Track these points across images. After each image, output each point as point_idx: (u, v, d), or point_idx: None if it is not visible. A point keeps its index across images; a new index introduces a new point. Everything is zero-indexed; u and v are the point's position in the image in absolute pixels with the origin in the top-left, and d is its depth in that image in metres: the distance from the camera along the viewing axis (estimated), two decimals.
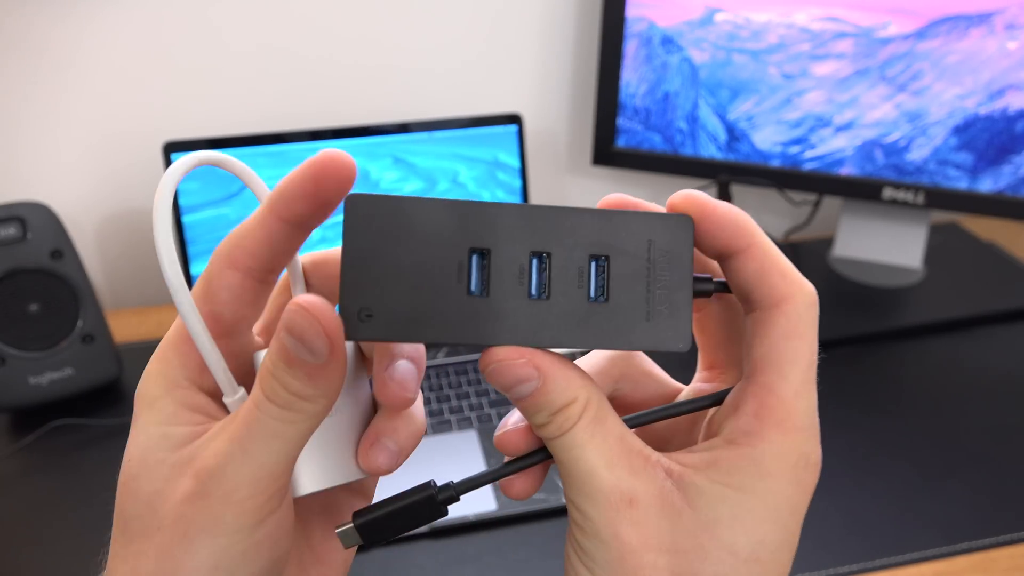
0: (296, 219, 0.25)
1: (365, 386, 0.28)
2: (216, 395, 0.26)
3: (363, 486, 0.31)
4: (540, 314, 0.25)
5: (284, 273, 0.28)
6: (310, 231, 0.26)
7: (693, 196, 0.26)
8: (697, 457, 0.25)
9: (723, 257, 0.26)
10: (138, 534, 0.24)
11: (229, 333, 0.26)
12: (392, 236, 0.24)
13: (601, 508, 0.24)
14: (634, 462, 0.24)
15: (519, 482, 0.28)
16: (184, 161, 0.26)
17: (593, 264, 0.25)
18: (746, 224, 0.26)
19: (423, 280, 0.24)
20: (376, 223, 0.24)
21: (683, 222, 0.26)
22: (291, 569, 0.28)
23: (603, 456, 0.24)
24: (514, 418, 0.28)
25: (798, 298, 0.25)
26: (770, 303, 0.25)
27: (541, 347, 0.25)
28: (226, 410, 0.26)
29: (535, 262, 0.25)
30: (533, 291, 0.25)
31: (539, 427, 0.25)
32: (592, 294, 0.25)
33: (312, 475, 0.26)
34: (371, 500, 0.31)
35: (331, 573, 0.29)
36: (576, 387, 0.25)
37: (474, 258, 0.24)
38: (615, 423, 0.25)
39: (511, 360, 0.24)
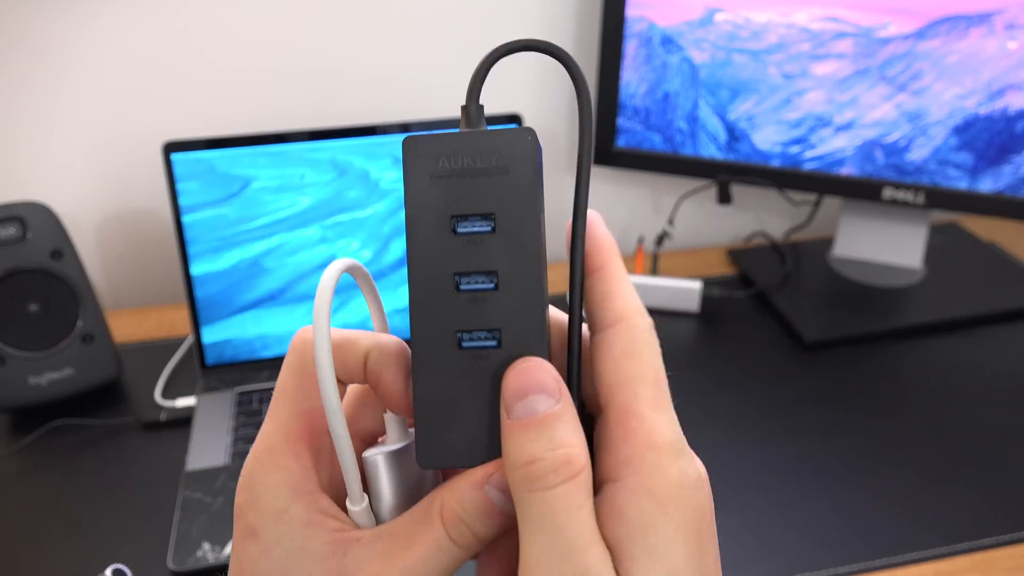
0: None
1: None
2: (337, 497, 0.26)
3: None
4: None
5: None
6: None
7: (591, 214, 0.26)
8: (602, 510, 0.23)
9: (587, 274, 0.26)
10: None
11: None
12: None
13: None
14: (579, 564, 0.22)
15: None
16: (335, 268, 0.26)
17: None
18: (605, 248, 0.25)
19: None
20: None
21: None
22: None
23: (593, 535, 0.22)
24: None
25: (635, 319, 0.24)
26: (608, 322, 0.24)
27: None
28: (346, 512, 0.26)
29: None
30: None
31: (525, 462, 0.23)
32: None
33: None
34: None
35: None
36: (582, 438, 0.23)
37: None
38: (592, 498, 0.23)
39: (542, 368, 0.24)
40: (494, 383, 0.25)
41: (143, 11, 0.88)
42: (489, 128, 0.26)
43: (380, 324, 0.30)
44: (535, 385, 0.23)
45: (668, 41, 0.89)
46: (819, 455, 0.73)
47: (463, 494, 0.24)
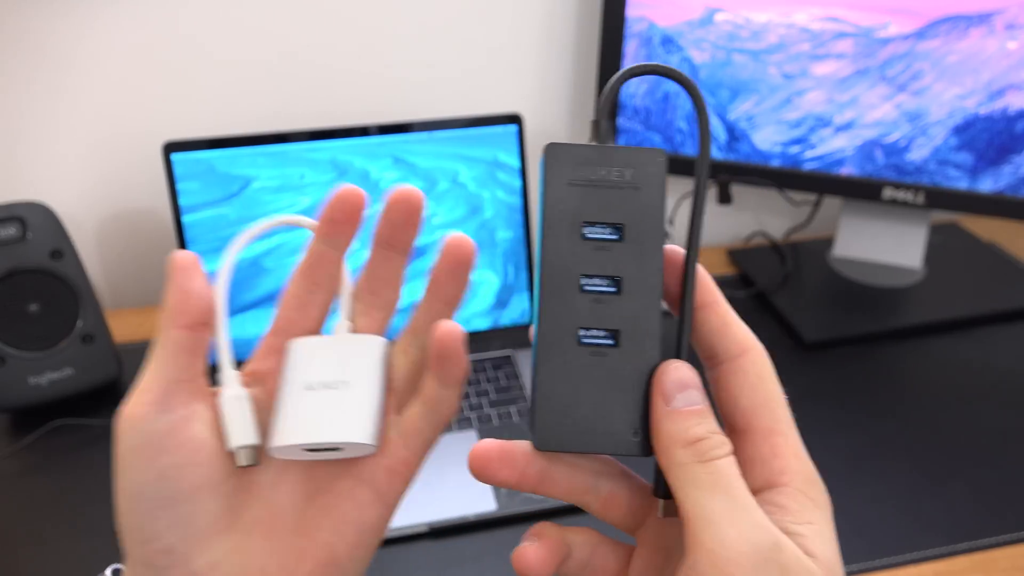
0: (323, 237, 0.32)
1: (378, 374, 0.31)
2: None
3: (370, 483, 0.31)
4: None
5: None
6: (342, 249, 0.32)
7: (677, 252, 0.29)
8: (774, 517, 0.26)
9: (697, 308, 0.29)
10: None
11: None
12: None
13: (725, 554, 0.24)
14: (758, 516, 0.25)
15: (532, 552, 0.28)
16: (254, 227, 0.33)
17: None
18: (711, 284, 0.29)
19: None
20: None
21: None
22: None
23: (736, 501, 0.25)
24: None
25: (759, 347, 0.28)
26: (735, 352, 0.28)
27: None
28: None
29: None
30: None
31: (694, 440, 0.26)
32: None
33: (284, 432, 0.29)
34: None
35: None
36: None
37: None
38: None
39: (692, 369, 0.27)
40: (609, 379, 0.27)
41: (143, 12, 0.88)
42: (624, 145, 0.28)
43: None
44: (691, 382, 0.27)
45: (668, 41, 0.89)
46: (819, 455, 0.72)
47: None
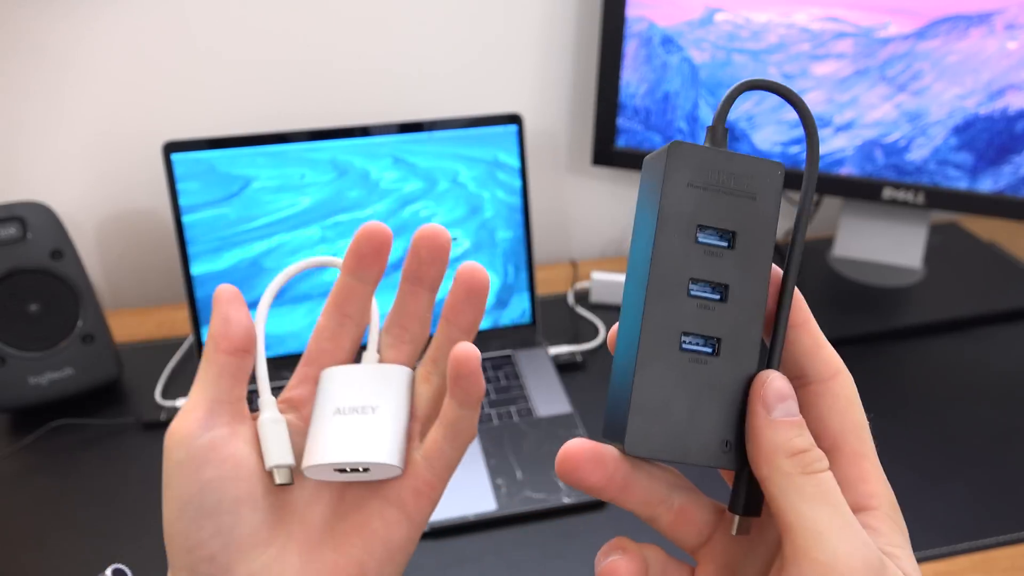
0: (350, 272, 0.33)
1: (403, 400, 0.33)
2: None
3: (398, 504, 0.33)
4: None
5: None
6: (371, 283, 0.33)
7: (775, 269, 0.29)
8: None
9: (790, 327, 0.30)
10: None
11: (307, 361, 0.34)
12: None
13: (835, 567, 0.24)
14: (863, 533, 0.25)
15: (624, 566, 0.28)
16: (291, 268, 0.36)
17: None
18: (804, 304, 0.29)
19: None
20: None
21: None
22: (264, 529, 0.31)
23: (844, 516, 0.25)
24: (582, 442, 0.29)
25: (846, 371, 0.29)
26: (826, 375, 0.28)
27: None
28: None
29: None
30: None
31: (798, 451, 0.26)
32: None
33: (315, 453, 0.31)
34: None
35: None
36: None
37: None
38: None
39: (788, 381, 0.27)
40: (705, 388, 0.27)
41: (143, 12, 0.88)
42: (744, 153, 0.28)
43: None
44: (789, 393, 0.27)
45: (668, 41, 0.89)
46: None
47: None
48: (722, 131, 0.28)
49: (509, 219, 0.85)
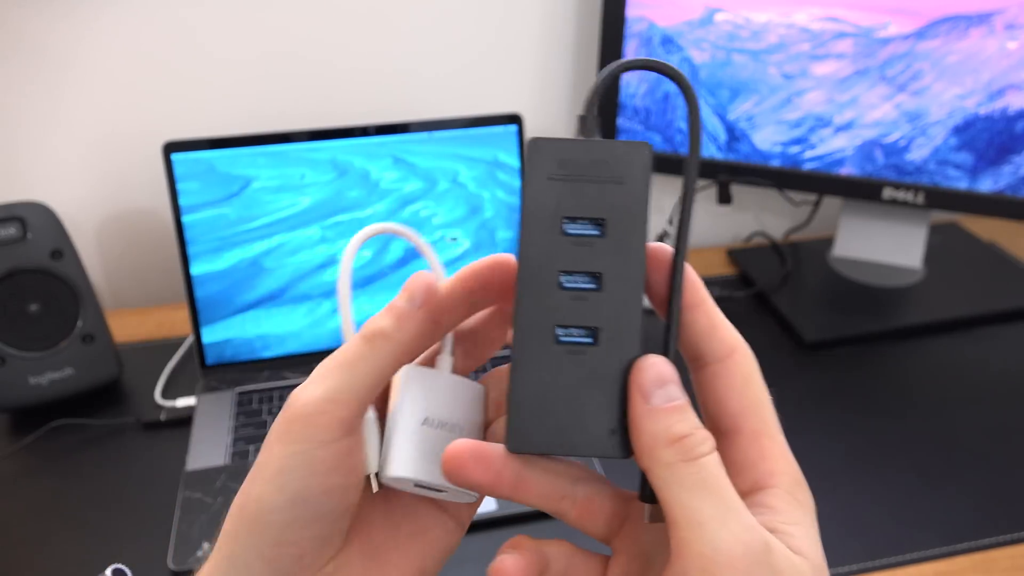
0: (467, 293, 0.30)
1: (479, 421, 0.32)
2: None
3: (455, 515, 0.33)
4: None
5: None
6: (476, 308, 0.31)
7: (664, 250, 0.28)
8: (763, 518, 0.26)
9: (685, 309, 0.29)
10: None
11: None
12: None
13: (716, 559, 0.24)
14: (747, 517, 0.25)
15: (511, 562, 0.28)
16: (364, 232, 0.32)
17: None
18: (699, 284, 0.28)
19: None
20: None
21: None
22: (347, 549, 0.30)
23: (726, 502, 0.24)
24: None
25: (746, 349, 0.28)
26: (723, 354, 0.27)
27: None
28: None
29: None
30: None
31: (677, 438, 0.25)
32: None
33: (405, 463, 0.29)
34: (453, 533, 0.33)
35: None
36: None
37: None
38: None
39: (669, 364, 0.26)
40: (586, 378, 0.27)
41: (144, 12, 0.88)
42: (608, 139, 0.27)
43: (435, 264, 0.33)
44: (669, 376, 0.26)
45: (668, 41, 0.89)
46: (819, 455, 0.73)
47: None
48: (592, 119, 0.28)
49: (509, 219, 0.85)
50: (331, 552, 0.29)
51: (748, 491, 0.26)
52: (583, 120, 0.28)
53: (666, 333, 0.27)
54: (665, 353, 0.27)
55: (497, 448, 0.27)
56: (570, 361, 0.27)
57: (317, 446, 0.27)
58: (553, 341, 0.27)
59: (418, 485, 0.30)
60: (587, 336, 0.27)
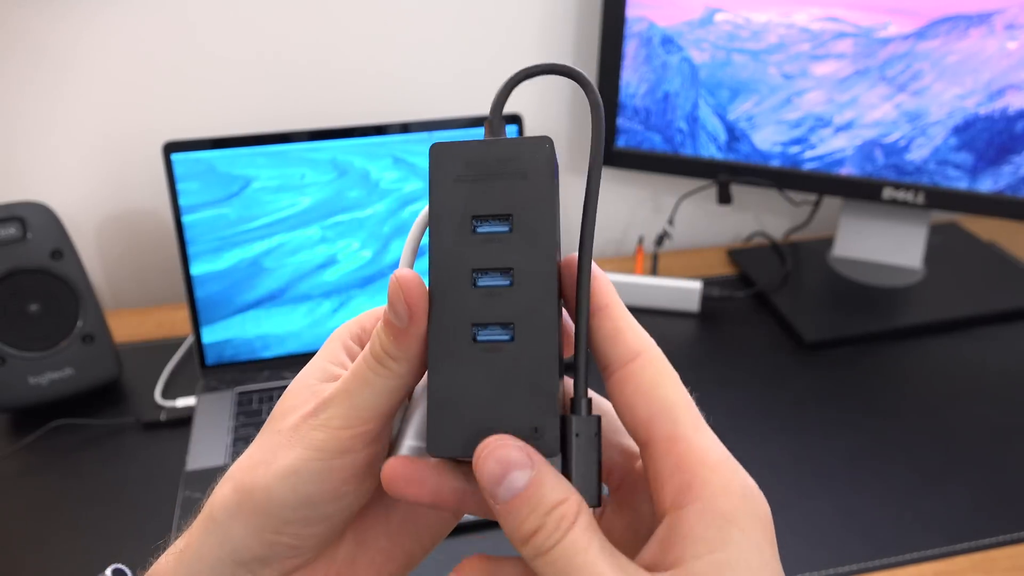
0: None
1: None
2: None
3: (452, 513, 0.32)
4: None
5: None
6: None
7: (571, 256, 0.27)
8: (666, 537, 0.24)
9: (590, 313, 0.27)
10: (273, 426, 0.29)
11: None
12: None
13: None
14: (630, 570, 0.23)
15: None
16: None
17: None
18: (605, 286, 0.27)
19: None
20: None
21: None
22: (345, 546, 0.30)
23: (609, 564, 0.23)
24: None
25: (652, 351, 0.26)
26: (627, 358, 0.26)
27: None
28: None
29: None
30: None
31: (528, 536, 0.24)
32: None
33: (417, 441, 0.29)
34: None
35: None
36: (566, 486, 0.24)
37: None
38: (599, 531, 0.24)
39: (505, 445, 0.24)
40: (507, 376, 0.26)
41: (144, 12, 0.88)
42: (509, 137, 0.27)
43: None
44: (509, 464, 0.24)
45: (668, 41, 0.89)
46: (819, 455, 0.73)
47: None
48: (498, 122, 0.29)
49: None
50: (329, 543, 0.30)
51: (669, 508, 0.24)
52: (489, 123, 0.28)
53: (576, 343, 0.27)
54: (575, 366, 0.26)
55: (431, 464, 0.27)
56: (489, 360, 0.26)
57: (336, 456, 0.27)
58: (471, 340, 0.26)
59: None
60: (504, 333, 0.26)
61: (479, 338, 0.26)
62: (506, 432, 0.25)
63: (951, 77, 0.82)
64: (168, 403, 0.80)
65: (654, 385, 0.25)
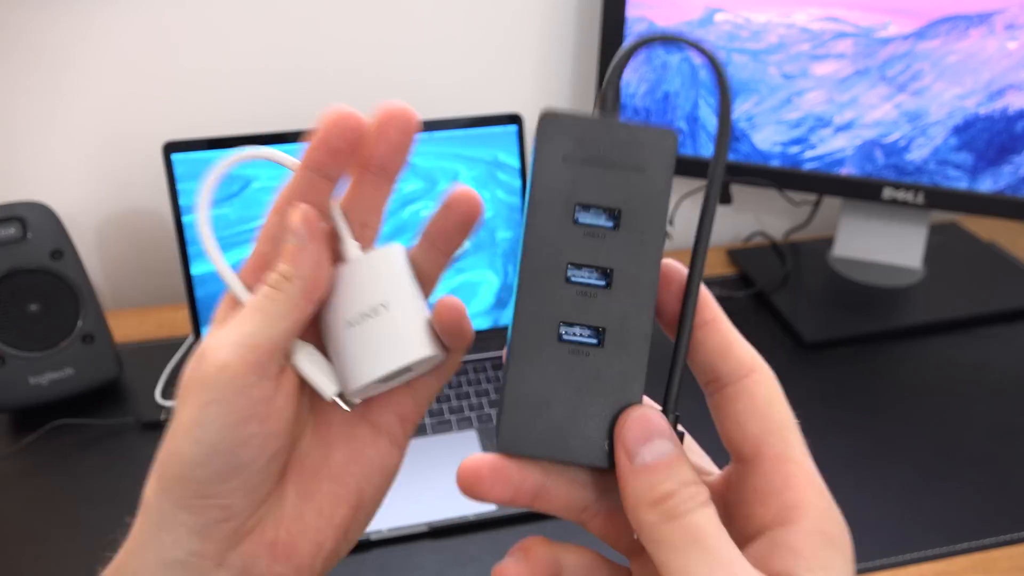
0: (316, 167, 0.29)
1: (407, 283, 0.30)
2: None
3: (389, 432, 0.31)
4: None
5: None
6: (336, 179, 0.29)
7: (676, 268, 0.26)
8: (767, 551, 0.24)
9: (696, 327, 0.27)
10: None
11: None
12: None
13: None
14: (739, 569, 0.23)
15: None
16: (224, 161, 0.30)
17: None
18: (712, 300, 0.26)
19: None
20: None
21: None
22: (295, 481, 0.30)
23: (719, 558, 0.23)
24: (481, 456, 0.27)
25: (765, 368, 0.26)
26: (740, 375, 0.26)
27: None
28: None
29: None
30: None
31: (662, 498, 0.24)
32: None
33: (350, 375, 0.29)
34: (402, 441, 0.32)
35: (338, 495, 0.30)
36: (695, 473, 0.25)
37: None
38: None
39: (656, 415, 0.25)
40: (588, 382, 0.25)
41: (144, 12, 0.88)
42: (632, 121, 0.25)
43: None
44: (656, 431, 0.24)
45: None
46: (819, 455, 0.72)
47: None
48: (613, 97, 0.25)
49: (509, 219, 0.85)
50: (261, 496, 0.29)
51: (771, 523, 0.24)
52: (602, 98, 0.25)
53: (675, 353, 0.25)
54: (670, 376, 0.25)
55: (515, 462, 0.26)
56: (572, 362, 0.25)
57: (231, 395, 0.26)
58: (556, 338, 0.25)
59: (383, 381, 0.29)
60: (592, 337, 0.25)
61: (564, 337, 0.25)
62: (577, 440, 0.25)
63: (951, 77, 0.82)
64: (168, 403, 0.80)
65: (768, 403, 0.26)
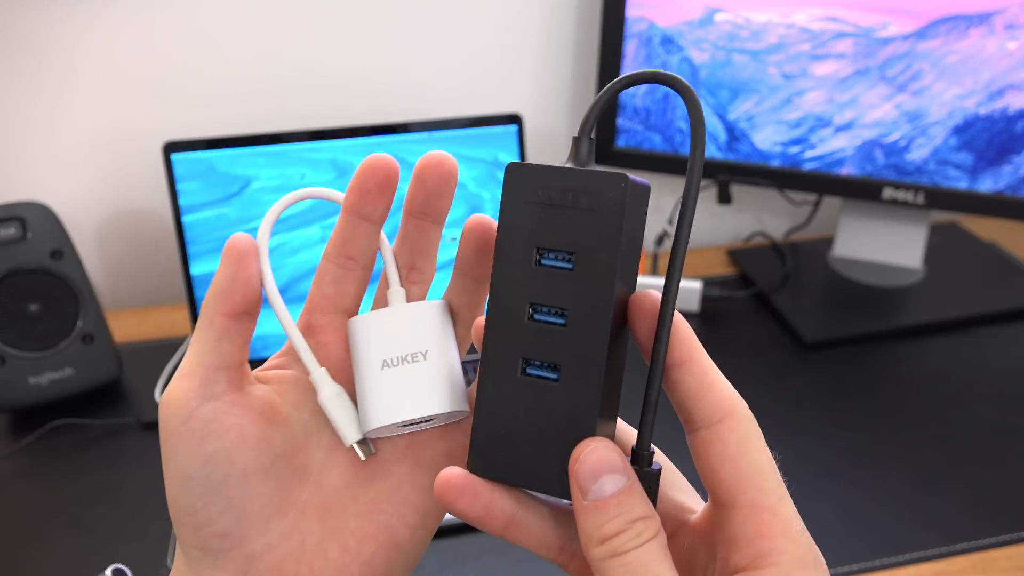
0: (353, 210, 0.30)
1: (447, 336, 0.30)
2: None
3: (430, 469, 0.31)
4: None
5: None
6: (377, 222, 0.30)
7: (650, 297, 0.26)
8: None
9: (671, 367, 0.27)
10: None
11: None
12: None
13: None
14: None
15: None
16: (284, 199, 0.31)
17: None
18: (690, 338, 0.26)
19: None
20: None
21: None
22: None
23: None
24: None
25: (741, 411, 0.26)
26: (714, 420, 0.26)
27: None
28: None
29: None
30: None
31: (608, 536, 0.24)
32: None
33: (376, 412, 0.29)
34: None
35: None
36: (651, 507, 0.25)
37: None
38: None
39: (610, 449, 0.25)
40: (547, 414, 0.26)
41: (144, 12, 0.88)
42: (590, 168, 0.27)
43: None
44: (606, 466, 0.25)
45: (668, 41, 0.89)
46: (819, 455, 0.73)
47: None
48: (587, 143, 0.27)
49: None
50: (266, 516, 0.28)
51: (746, 568, 0.25)
52: (577, 142, 0.27)
53: (646, 395, 0.26)
54: (643, 414, 0.26)
55: (486, 482, 0.27)
56: (533, 394, 0.26)
57: (180, 424, 0.27)
58: (519, 371, 0.26)
59: (404, 425, 0.29)
60: (551, 372, 0.26)
61: (528, 371, 0.26)
62: (536, 468, 0.26)
63: (951, 77, 0.82)
64: None
65: (741, 451, 0.25)
